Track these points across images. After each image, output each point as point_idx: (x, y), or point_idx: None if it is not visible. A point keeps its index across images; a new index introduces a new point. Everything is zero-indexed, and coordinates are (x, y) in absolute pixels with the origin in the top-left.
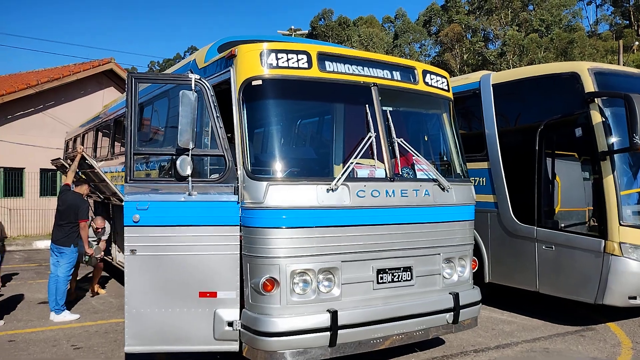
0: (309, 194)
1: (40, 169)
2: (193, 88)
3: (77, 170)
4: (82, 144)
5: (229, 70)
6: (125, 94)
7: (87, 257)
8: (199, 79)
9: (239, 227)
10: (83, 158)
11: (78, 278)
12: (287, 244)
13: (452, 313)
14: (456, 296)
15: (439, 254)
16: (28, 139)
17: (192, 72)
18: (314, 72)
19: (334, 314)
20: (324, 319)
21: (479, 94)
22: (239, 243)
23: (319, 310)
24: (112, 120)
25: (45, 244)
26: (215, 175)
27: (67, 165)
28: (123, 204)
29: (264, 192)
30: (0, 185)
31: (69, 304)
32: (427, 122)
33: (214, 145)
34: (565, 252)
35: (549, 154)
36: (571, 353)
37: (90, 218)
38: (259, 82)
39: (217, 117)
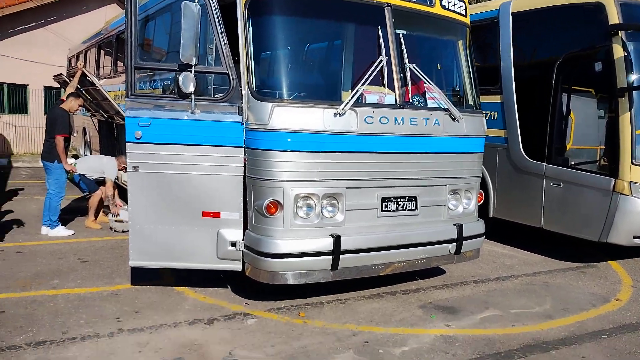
0: (315, 118)
1: (44, 86)
2: (196, 0)
3: (78, 87)
4: (84, 61)
5: None
6: (125, 6)
7: (68, 174)
8: None
9: (243, 148)
10: (84, 74)
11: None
12: (291, 168)
13: (455, 244)
14: (460, 227)
15: (445, 185)
16: (31, 55)
17: None
18: None
19: (336, 239)
20: (327, 243)
21: (497, 23)
22: (242, 165)
23: (322, 234)
24: (114, 36)
25: None
26: (219, 95)
27: (69, 81)
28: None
29: (269, 114)
30: (4, 101)
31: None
32: (442, 48)
33: (218, 63)
34: (573, 190)
35: (565, 89)
36: (571, 288)
37: (69, 134)
38: None
39: (221, 32)
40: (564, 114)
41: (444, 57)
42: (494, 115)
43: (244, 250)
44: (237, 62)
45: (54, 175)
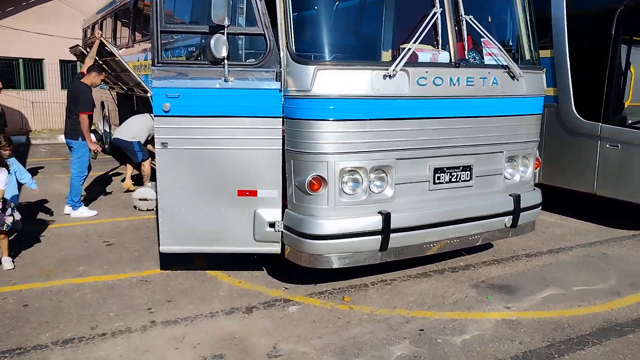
0: (362, 81)
1: (60, 60)
2: None
3: (97, 59)
4: (103, 30)
5: None
6: None
7: (93, 154)
8: None
9: (281, 118)
10: (102, 44)
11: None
12: (336, 139)
13: (512, 216)
14: (517, 198)
15: (502, 151)
16: (45, 28)
17: None
18: None
19: (386, 216)
20: (376, 222)
21: None
22: (281, 137)
23: (370, 212)
24: (131, 3)
25: None
26: (255, 60)
27: (87, 53)
28: (149, 93)
29: (312, 78)
30: (20, 76)
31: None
32: None
33: (251, 24)
34: (632, 151)
35: (625, 41)
36: (632, 259)
37: (92, 111)
38: None
39: None
40: (623, 68)
41: (500, 6)
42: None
43: (284, 231)
44: (272, 24)
45: (77, 153)
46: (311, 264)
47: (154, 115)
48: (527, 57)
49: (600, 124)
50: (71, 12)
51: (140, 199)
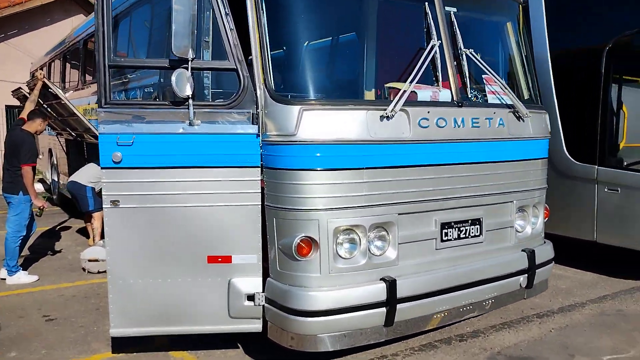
0: (357, 123)
1: (6, 105)
2: None
3: (40, 102)
4: (49, 74)
5: None
6: None
7: (38, 210)
8: None
9: (259, 169)
10: (45, 86)
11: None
12: (328, 192)
13: (527, 275)
14: (531, 254)
15: (512, 201)
16: None
17: None
18: None
19: (391, 284)
20: (379, 291)
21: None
22: (260, 190)
23: (370, 278)
24: (80, 42)
25: None
26: (225, 100)
27: (28, 95)
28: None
29: (297, 120)
30: None
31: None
32: (494, 31)
33: (220, 57)
34: (634, 196)
35: (615, 80)
36: None
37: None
38: None
39: (225, 14)
40: (615, 107)
41: (497, 41)
42: None
43: (266, 305)
44: (245, 58)
45: (16, 209)
46: (300, 346)
47: (101, 167)
48: (527, 96)
49: (597, 166)
50: (18, 56)
51: (89, 260)
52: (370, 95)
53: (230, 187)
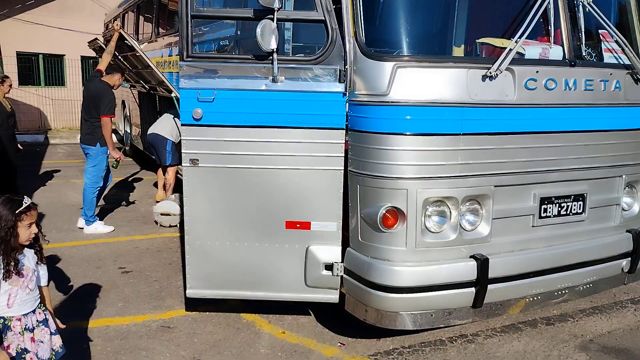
0: (456, 83)
1: (81, 56)
2: None
3: (116, 54)
4: (122, 26)
5: None
6: None
7: (114, 162)
8: None
9: (344, 131)
10: (121, 37)
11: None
12: (420, 159)
13: (630, 258)
14: (637, 235)
15: (620, 175)
16: (67, 23)
17: None
18: None
19: (483, 263)
20: (469, 269)
21: None
22: (343, 154)
23: (460, 255)
24: None
25: None
26: (311, 55)
27: (105, 47)
28: (174, 93)
29: (389, 79)
30: (40, 73)
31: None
32: None
33: (306, 6)
34: None
35: None
36: None
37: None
38: None
39: None
40: None
41: None
42: None
43: (344, 276)
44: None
45: (94, 160)
46: (379, 322)
47: (181, 125)
48: None
49: None
50: (93, 7)
51: (162, 214)
52: (458, 51)
53: (312, 150)
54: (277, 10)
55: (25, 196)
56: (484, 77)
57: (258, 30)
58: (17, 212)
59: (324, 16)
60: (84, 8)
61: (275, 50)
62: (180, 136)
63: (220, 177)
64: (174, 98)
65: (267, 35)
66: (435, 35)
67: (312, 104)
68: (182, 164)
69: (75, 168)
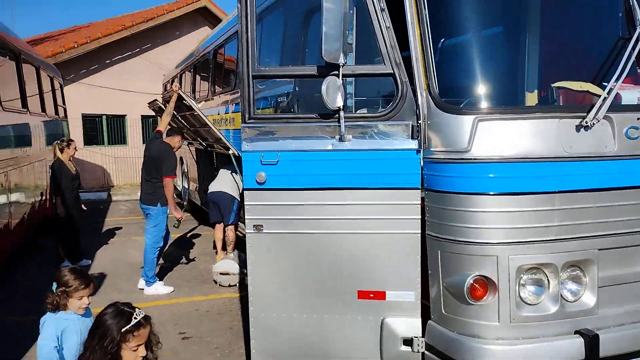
0: (546, 135)
1: (141, 115)
2: None
3: (174, 114)
4: (180, 86)
5: None
6: None
7: (176, 222)
8: None
9: (419, 191)
10: (180, 98)
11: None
12: (510, 222)
13: None
14: None
15: None
16: (127, 85)
17: None
18: None
19: (592, 339)
20: (574, 348)
21: None
22: (419, 217)
23: (562, 331)
24: (210, 52)
25: None
26: (379, 110)
27: (165, 107)
28: (231, 150)
29: (470, 133)
30: (104, 132)
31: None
32: None
33: (372, 60)
34: None
35: None
36: None
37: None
38: None
39: (381, 9)
40: None
41: None
42: None
43: (426, 353)
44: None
45: (154, 221)
46: None
47: (244, 189)
48: None
49: None
50: (151, 68)
51: (221, 273)
52: (532, 97)
53: (384, 212)
54: (342, 66)
55: (137, 308)
56: (578, 127)
57: (323, 88)
58: (123, 330)
59: (393, 69)
60: (142, 70)
61: (341, 108)
62: (239, 192)
63: (286, 243)
64: (231, 155)
65: (332, 93)
66: (515, 82)
67: (383, 163)
68: (246, 231)
69: (137, 225)
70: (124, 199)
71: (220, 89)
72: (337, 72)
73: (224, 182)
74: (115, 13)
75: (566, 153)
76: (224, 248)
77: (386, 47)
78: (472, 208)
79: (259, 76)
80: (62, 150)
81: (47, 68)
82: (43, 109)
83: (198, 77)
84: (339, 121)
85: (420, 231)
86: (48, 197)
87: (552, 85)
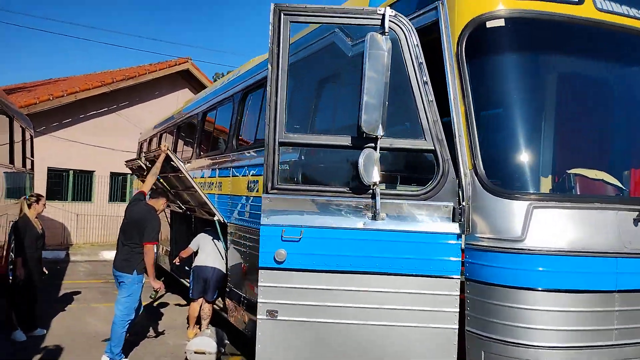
0: (605, 228)
1: (111, 172)
2: (386, 30)
3: (158, 176)
4: (158, 145)
5: (436, 8)
6: (272, 37)
7: (153, 292)
8: (396, 16)
9: (459, 280)
10: (167, 158)
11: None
12: (566, 322)
13: None
14: None
15: None
16: (99, 141)
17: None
18: (588, 11)
19: None
20: None
21: None
22: (458, 310)
23: None
24: (198, 115)
25: (112, 254)
26: (417, 189)
27: (145, 167)
28: (217, 217)
29: (525, 221)
30: (69, 188)
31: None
32: None
33: (414, 131)
34: None
35: None
36: None
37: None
38: (497, 22)
39: (424, 83)
40: None
41: None
42: None
43: None
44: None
45: (128, 290)
46: None
47: (260, 267)
48: None
49: None
50: (125, 125)
51: (196, 352)
52: (546, 182)
53: (418, 302)
54: (380, 139)
55: None
56: (636, 221)
57: (360, 161)
58: None
59: (434, 145)
60: (117, 127)
61: (376, 182)
62: (225, 263)
63: (306, 334)
64: (216, 222)
65: (369, 167)
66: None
67: (419, 247)
68: (258, 317)
69: (96, 290)
70: (83, 260)
71: (207, 152)
72: (373, 144)
73: (215, 256)
74: (90, 70)
75: (625, 249)
76: (198, 322)
77: (428, 123)
78: (523, 305)
79: (286, 143)
80: (29, 206)
81: (21, 118)
82: (11, 161)
83: (180, 139)
84: (373, 197)
85: (457, 326)
86: (4, 254)
87: (568, 171)
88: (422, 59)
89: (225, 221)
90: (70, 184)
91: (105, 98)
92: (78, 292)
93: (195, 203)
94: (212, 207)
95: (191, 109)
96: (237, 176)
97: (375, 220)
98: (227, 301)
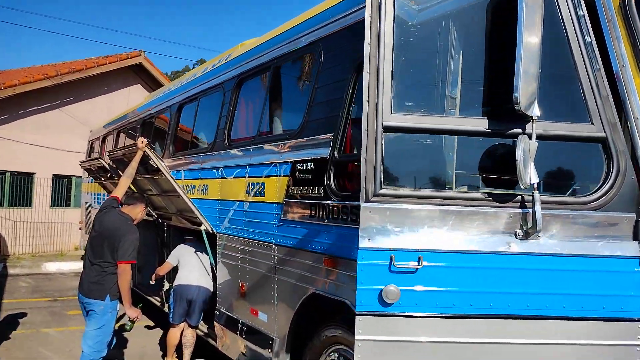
0: None
1: (54, 174)
2: None
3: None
4: (115, 145)
5: None
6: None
7: (129, 322)
8: None
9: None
10: (146, 157)
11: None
12: None
13: None
14: None
15: None
16: (41, 139)
17: None
18: None
19: None
20: None
21: None
22: None
23: None
24: (173, 107)
25: (57, 266)
26: (579, 195)
27: (109, 168)
28: (204, 227)
29: None
30: (5, 192)
31: None
32: None
33: (572, 112)
34: None
35: None
36: None
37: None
38: None
39: (586, 42)
40: None
41: None
42: None
43: None
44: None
45: (99, 321)
46: None
47: (357, 313)
48: None
49: None
50: (71, 123)
51: None
52: None
53: (589, 357)
54: (534, 121)
55: None
56: None
57: (519, 154)
58: None
59: (605, 132)
60: (61, 125)
61: (535, 185)
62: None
63: None
64: (203, 232)
65: (527, 162)
66: None
67: (588, 277)
68: None
69: (45, 310)
70: (23, 273)
71: (184, 150)
72: (525, 129)
73: (200, 272)
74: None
75: None
76: (178, 351)
77: (595, 100)
78: None
79: (394, 128)
80: None
81: None
82: None
83: (147, 136)
84: (523, 206)
85: None
86: None
87: None
88: (583, 11)
89: (215, 231)
90: (6, 188)
91: (48, 93)
92: (23, 315)
93: (173, 210)
94: (198, 214)
95: (161, 102)
96: (231, 178)
97: (525, 240)
98: (216, 325)
